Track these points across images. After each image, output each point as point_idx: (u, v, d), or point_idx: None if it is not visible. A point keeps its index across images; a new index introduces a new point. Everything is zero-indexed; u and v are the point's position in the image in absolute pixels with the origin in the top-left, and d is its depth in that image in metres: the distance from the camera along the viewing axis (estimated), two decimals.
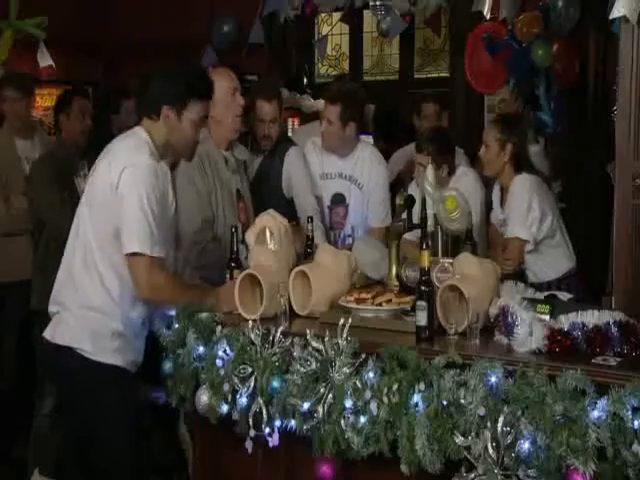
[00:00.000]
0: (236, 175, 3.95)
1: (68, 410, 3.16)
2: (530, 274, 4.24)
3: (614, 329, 2.56)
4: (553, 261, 4.25)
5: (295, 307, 3.08)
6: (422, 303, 2.74)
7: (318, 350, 2.71)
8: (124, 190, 2.94)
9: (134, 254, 2.95)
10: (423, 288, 2.75)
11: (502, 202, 4.32)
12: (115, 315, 3.01)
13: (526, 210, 4.12)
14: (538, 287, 4.04)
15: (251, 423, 2.83)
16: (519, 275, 4.06)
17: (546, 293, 3.97)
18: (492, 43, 5.80)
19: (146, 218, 2.94)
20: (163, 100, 3.09)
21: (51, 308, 3.10)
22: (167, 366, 3.05)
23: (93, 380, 2.99)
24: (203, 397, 2.93)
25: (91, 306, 2.99)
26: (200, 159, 3.76)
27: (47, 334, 3.08)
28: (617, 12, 2.83)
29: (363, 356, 2.66)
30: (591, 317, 2.60)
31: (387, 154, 5.36)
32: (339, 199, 4.44)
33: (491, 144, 4.26)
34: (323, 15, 7.68)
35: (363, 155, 4.43)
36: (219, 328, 2.96)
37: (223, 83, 3.92)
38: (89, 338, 2.98)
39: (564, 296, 4.01)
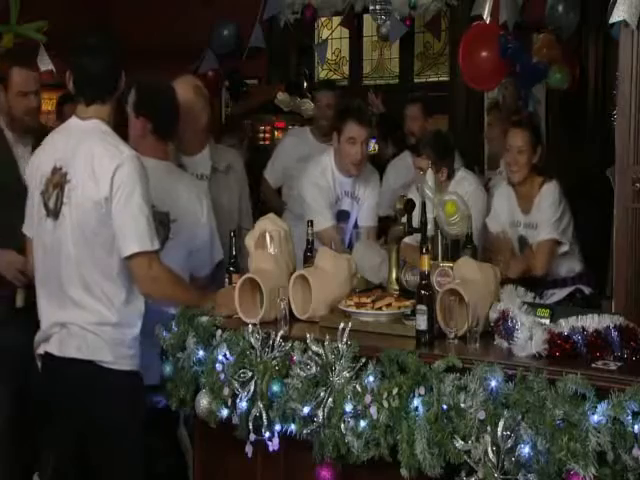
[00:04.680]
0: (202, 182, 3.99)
1: (77, 419, 3.11)
2: (554, 271, 4.32)
3: (614, 333, 2.55)
4: (574, 257, 4.40)
5: (295, 311, 3.08)
6: (422, 307, 2.74)
7: (318, 354, 2.71)
8: (118, 196, 2.88)
9: (134, 254, 2.92)
10: (423, 292, 2.76)
11: (521, 207, 4.35)
12: (131, 323, 2.99)
13: (561, 214, 4.24)
14: (562, 282, 4.26)
15: (251, 427, 2.83)
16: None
17: (571, 287, 4.27)
18: (507, 46, 5.78)
19: (143, 214, 2.91)
20: (119, 72, 3.04)
21: (51, 330, 3.02)
22: (167, 370, 3.05)
23: (112, 390, 2.95)
24: (203, 401, 2.93)
25: (106, 322, 2.95)
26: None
27: (52, 349, 3.01)
28: (617, 16, 2.84)
29: (363, 360, 2.66)
30: (591, 321, 2.60)
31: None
32: (344, 216, 4.43)
33: (526, 148, 4.27)
34: (323, 19, 7.68)
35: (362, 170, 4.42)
36: (219, 332, 2.96)
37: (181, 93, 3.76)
38: (110, 349, 2.95)
39: (587, 290, 4.28)
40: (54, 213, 2.98)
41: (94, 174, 2.90)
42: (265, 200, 5.69)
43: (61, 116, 5.07)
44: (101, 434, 2.99)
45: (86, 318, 2.95)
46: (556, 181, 4.33)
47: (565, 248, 4.28)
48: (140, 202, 2.90)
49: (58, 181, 2.97)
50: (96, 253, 2.94)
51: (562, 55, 5.81)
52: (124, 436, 2.99)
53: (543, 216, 4.26)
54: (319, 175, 4.36)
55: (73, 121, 3.06)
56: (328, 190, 4.34)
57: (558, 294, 4.27)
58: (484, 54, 5.64)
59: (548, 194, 4.26)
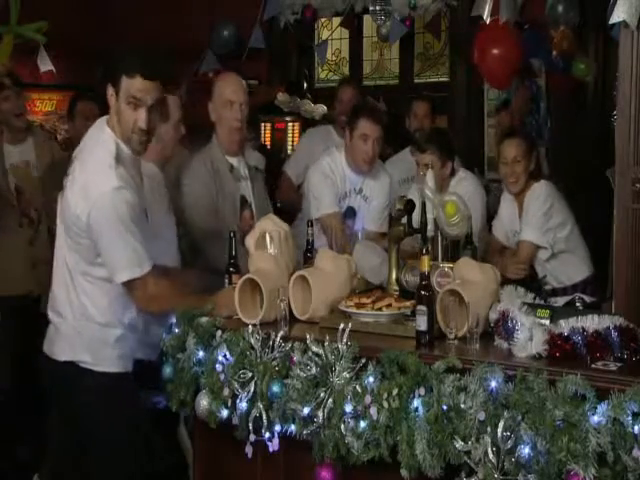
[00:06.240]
0: (243, 182, 3.98)
1: (65, 422, 3.13)
2: (552, 279, 4.27)
3: (614, 334, 2.55)
4: (575, 266, 4.29)
5: (295, 312, 3.08)
6: (422, 308, 2.74)
7: (318, 355, 2.71)
8: (97, 227, 2.86)
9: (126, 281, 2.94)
10: (423, 293, 2.75)
11: (519, 215, 4.33)
12: (113, 322, 3.01)
13: (544, 216, 4.16)
14: (562, 291, 4.13)
15: (251, 428, 2.83)
16: (530, 280, 4.10)
17: (570, 296, 4.13)
18: (532, 38, 5.80)
19: (127, 244, 2.88)
20: (104, 80, 2.98)
21: (50, 316, 3.07)
22: (167, 371, 3.05)
23: (93, 391, 2.97)
24: (203, 402, 2.93)
25: (89, 316, 2.98)
26: (205, 166, 3.82)
27: (46, 348, 3.06)
28: (617, 17, 2.83)
29: (363, 361, 2.66)
30: (591, 322, 2.60)
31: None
32: (351, 212, 4.44)
33: (521, 157, 4.24)
34: (323, 20, 7.68)
35: (373, 169, 4.44)
36: (219, 333, 2.96)
37: (221, 90, 3.93)
38: (89, 349, 2.97)
39: (589, 299, 4.12)
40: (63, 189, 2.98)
41: (82, 187, 2.89)
42: (281, 197, 5.52)
43: (72, 116, 5.09)
44: (86, 435, 3.01)
45: (70, 311, 2.98)
46: (546, 182, 4.29)
47: (547, 254, 4.23)
48: (124, 234, 2.87)
49: (72, 160, 3.00)
50: (75, 257, 2.96)
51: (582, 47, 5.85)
52: (108, 438, 2.98)
53: (526, 216, 4.23)
54: (327, 166, 4.41)
55: (100, 122, 3.04)
56: (334, 180, 4.38)
57: (558, 302, 4.24)
58: (501, 51, 5.64)
59: (532, 193, 4.22)
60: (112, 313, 3.00)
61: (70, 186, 2.93)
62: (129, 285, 2.95)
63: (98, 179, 2.87)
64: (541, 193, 4.20)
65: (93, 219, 2.85)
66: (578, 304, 4.14)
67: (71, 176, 2.95)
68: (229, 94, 3.93)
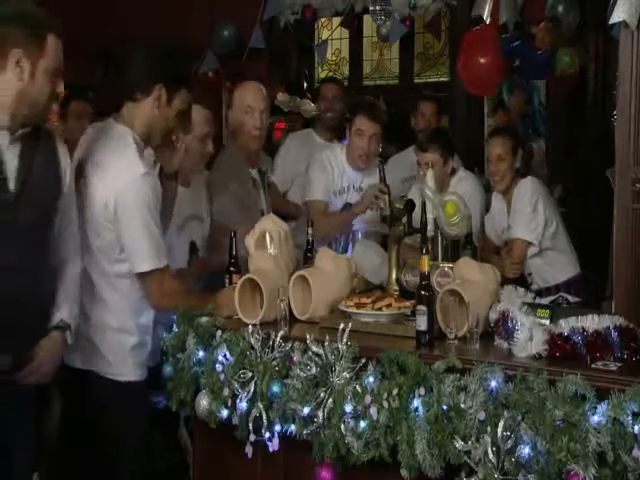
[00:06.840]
0: (260, 191, 3.99)
1: (69, 422, 3.13)
2: (538, 279, 4.26)
3: (614, 334, 2.55)
4: (560, 265, 4.29)
5: (295, 312, 3.08)
6: (422, 308, 2.74)
7: (318, 355, 2.71)
8: (124, 213, 2.87)
9: (146, 272, 2.94)
10: (423, 293, 2.75)
11: (507, 212, 4.34)
12: (128, 327, 3.00)
13: (531, 213, 4.18)
14: (546, 291, 4.12)
15: (251, 428, 2.83)
16: (519, 279, 4.09)
17: (554, 296, 4.06)
18: (510, 45, 5.79)
19: (151, 233, 2.91)
20: (160, 77, 2.93)
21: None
22: (167, 370, 3.05)
23: (105, 396, 2.96)
24: (203, 401, 2.93)
25: (103, 323, 2.97)
26: (230, 173, 3.86)
27: (65, 358, 3.02)
28: (617, 17, 2.84)
29: (363, 361, 2.66)
30: (591, 322, 2.60)
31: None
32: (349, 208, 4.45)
33: (505, 155, 4.25)
34: (323, 20, 7.68)
35: (371, 165, 4.46)
36: (219, 333, 2.96)
37: (242, 98, 3.92)
38: (108, 358, 2.97)
39: (573, 299, 4.09)
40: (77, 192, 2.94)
41: (102, 179, 2.89)
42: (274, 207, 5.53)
43: (65, 116, 5.08)
44: (90, 436, 3.00)
45: (84, 321, 2.96)
46: (532, 178, 4.31)
47: (534, 250, 4.23)
48: (149, 222, 2.90)
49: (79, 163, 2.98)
50: (95, 256, 2.95)
51: (566, 40, 5.82)
52: (113, 440, 2.98)
53: (514, 214, 4.25)
54: (327, 159, 4.46)
55: (108, 123, 3.04)
56: (331, 173, 4.42)
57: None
58: (482, 60, 5.65)
59: (518, 190, 4.25)
60: (129, 316, 2.99)
61: (89, 184, 2.91)
62: (147, 277, 2.94)
63: (126, 168, 2.87)
64: (528, 189, 4.23)
65: (120, 204, 2.86)
66: (561, 300, 4.17)
67: (88, 179, 2.93)
68: (250, 100, 3.94)
